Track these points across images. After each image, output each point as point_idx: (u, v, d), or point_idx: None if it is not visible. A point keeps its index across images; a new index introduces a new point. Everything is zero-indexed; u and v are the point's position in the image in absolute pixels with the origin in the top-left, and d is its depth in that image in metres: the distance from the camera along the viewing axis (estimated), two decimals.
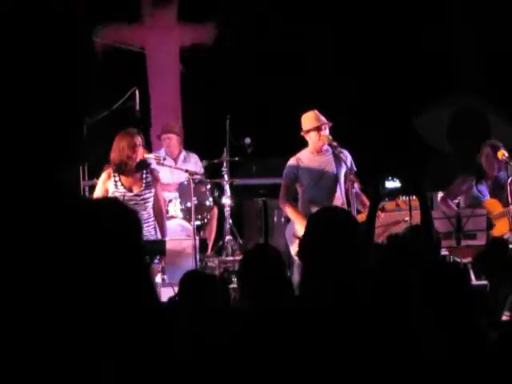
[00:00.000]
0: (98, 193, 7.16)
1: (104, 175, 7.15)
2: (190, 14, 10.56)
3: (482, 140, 7.64)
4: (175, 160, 8.80)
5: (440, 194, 8.54)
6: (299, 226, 7.03)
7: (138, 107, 8.18)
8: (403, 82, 10.02)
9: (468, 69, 10.37)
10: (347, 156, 7.30)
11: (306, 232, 3.21)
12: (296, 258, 7.00)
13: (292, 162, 7.35)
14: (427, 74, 10.11)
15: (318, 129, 7.26)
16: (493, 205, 7.34)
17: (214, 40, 10.50)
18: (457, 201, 7.62)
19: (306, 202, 7.22)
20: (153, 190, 7.19)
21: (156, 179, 7.31)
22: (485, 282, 7.36)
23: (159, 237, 7.24)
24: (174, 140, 8.86)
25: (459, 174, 7.62)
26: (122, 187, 7.09)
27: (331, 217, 3.23)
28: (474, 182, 7.41)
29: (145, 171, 7.20)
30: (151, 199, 7.18)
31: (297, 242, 7.01)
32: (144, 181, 7.16)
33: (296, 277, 6.91)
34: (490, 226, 7.23)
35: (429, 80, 10.05)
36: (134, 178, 7.14)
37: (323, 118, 7.30)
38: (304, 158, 7.32)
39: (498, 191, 7.44)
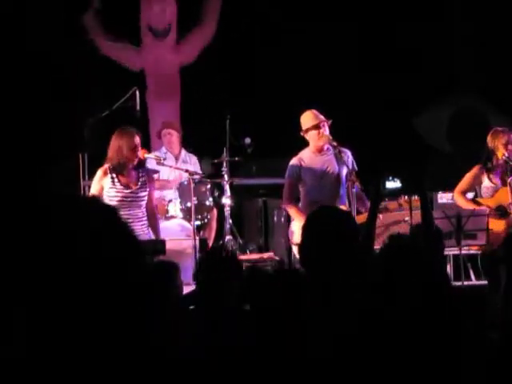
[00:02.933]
0: (93, 190, 7.16)
1: (99, 172, 7.14)
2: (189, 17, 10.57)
3: (484, 135, 7.54)
4: (176, 157, 8.79)
5: (440, 194, 8.53)
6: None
7: (138, 107, 8.18)
8: (403, 82, 10.02)
9: (468, 67, 10.36)
10: (348, 156, 7.28)
11: (304, 234, 3.19)
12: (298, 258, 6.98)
13: (294, 161, 7.32)
14: (427, 74, 10.11)
15: (317, 127, 7.23)
16: (505, 194, 7.30)
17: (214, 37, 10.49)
18: (471, 195, 7.58)
19: (308, 203, 7.19)
20: (147, 190, 7.21)
21: (151, 180, 7.32)
22: (485, 282, 7.37)
23: (152, 235, 7.24)
24: (174, 136, 8.85)
25: (463, 168, 7.54)
26: (119, 184, 7.11)
27: (327, 217, 3.21)
28: (486, 172, 7.36)
29: (140, 170, 7.22)
30: (145, 198, 7.20)
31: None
32: (140, 179, 7.19)
33: None
34: (505, 214, 7.20)
35: (429, 80, 10.05)
36: (131, 176, 7.16)
37: (321, 116, 7.28)
38: (306, 157, 7.30)
39: (506, 174, 7.34)
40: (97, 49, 10.21)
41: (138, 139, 7.09)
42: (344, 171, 7.23)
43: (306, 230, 3.18)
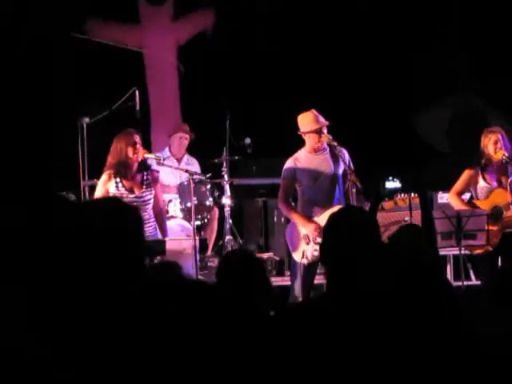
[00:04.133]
0: (98, 194, 7.14)
1: (105, 176, 7.12)
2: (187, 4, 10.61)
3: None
4: (179, 160, 8.79)
5: (440, 194, 8.53)
6: (301, 227, 7.00)
7: (138, 107, 8.18)
8: (403, 82, 10.02)
9: (468, 69, 10.37)
10: (345, 154, 7.24)
11: (327, 235, 3.16)
12: (298, 260, 6.98)
13: (289, 162, 7.29)
14: (427, 74, 10.11)
15: (318, 131, 7.17)
16: (501, 195, 7.29)
17: (212, 26, 10.52)
18: (467, 197, 7.56)
19: (305, 202, 7.18)
20: (153, 192, 7.19)
21: (156, 180, 7.31)
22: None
23: (159, 237, 7.26)
24: (187, 141, 8.86)
25: (463, 168, 7.52)
26: (124, 188, 7.08)
27: (352, 217, 3.19)
28: (480, 172, 7.33)
29: (145, 172, 7.20)
30: (151, 200, 7.18)
31: (300, 243, 6.99)
32: (145, 182, 7.17)
33: (298, 279, 6.89)
34: (500, 214, 7.19)
35: (429, 80, 10.05)
36: (135, 179, 7.14)
37: (322, 119, 7.18)
38: (301, 157, 7.27)
39: (503, 174, 7.33)
40: (93, 34, 10.16)
41: (137, 137, 7.08)
42: (340, 170, 7.18)
43: (329, 229, 3.16)
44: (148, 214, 7.15)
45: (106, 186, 7.09)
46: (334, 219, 3.16)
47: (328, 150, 7.23)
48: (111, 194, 7.04)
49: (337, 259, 3.05)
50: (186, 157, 8.88)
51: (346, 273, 3.02)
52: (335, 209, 3.72)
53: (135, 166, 7.09)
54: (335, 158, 7.17)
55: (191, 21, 10.65)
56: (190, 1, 10.60)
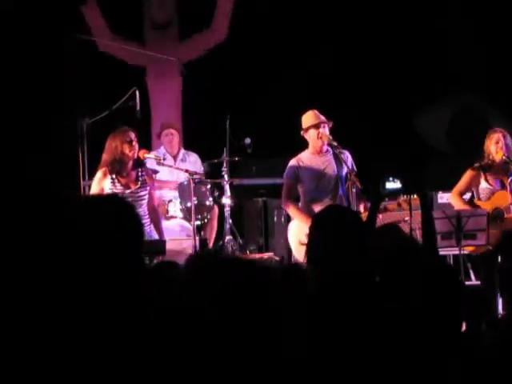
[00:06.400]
0: (93, 192, 7.16)
1: (99, 173, 7.14)
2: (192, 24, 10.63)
3: (484, 135, 7.51)
4: (175, 157, 8.79)
5: (440, 194, 8.53)
6: (304, 226, 7.01)
7: (138, 107, 8.18)
8: (404, 82, 10.02)
9: (468, 67, 10.36)
10: (348, 156, 7.28)
11: (311, 233, 3.17)
12: (299, 259, 7.00)
13: (292, 162, 7.34)
14: (427, 74, 10.11)
15: (317, 126, 7.24)
16: (503, 197, 7.28)
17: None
18: (467, 197, 7.55)
19: (307, 203, 7.21)
20: (148, 188, 7.23)
21: (150, 178, 7.34)
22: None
23: (155, 234, 7.27)
24: (176, 136, 8.86)
25: (463, 168, 7.51)
26: (119, 184, 7.12)
27: (335, 215, 3.19)
28: (482, 173, 7.32)
29: (140, 169, 7.23)
30: (146, 197, 7.22)
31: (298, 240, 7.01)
32: (140, 179, 7.21)
33: None
34: (501, 216, 7.19)
35: (429, 80, 10.05)
36: (130, 176, 7.17)
37: (322, 117, 7.29)
38: (304, 158, 7.32)
39: (504, 175, 7.31)
40: (96, 46, 10.21)
41: (132, 134, 7.10)
42: (343, 172, 7.23)
43: (313, 229, 3.17)
44: (143, 210, 7.19)
45: (102, 183, 7.11)
46: (315, 219, 3.17)
47: (331, 152, 7.28)
48: (107, 191, 7.06)
49: (318, 258, 3.05)
50: (182, 152, 8.86)
51: (329, 272, 3.01)
52: None
53: (130, 163, 7.13)
54: (338, 160, 7.21)
55: (196, 41, 10.65)
56: (195, 22, 10.60)
